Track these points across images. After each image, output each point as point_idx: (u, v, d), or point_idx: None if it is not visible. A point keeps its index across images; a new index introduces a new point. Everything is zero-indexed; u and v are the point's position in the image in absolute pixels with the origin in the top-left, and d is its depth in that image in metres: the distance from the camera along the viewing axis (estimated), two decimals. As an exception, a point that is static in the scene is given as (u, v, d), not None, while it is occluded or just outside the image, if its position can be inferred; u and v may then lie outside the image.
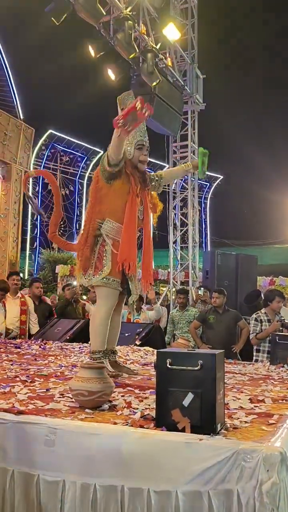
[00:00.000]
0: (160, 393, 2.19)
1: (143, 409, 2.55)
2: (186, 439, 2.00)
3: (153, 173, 3.93)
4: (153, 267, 3.64)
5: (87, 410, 2.51)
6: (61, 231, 16.49)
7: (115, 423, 2.25)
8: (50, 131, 15.30)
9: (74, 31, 9.11)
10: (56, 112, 13.25)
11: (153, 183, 3.80)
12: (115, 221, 3.39)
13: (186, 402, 2.09)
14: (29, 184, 11.82)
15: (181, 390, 2.11)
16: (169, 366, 2.16)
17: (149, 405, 2.67)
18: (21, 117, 12.58)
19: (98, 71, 10.20)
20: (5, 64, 12.28)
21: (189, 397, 2.09)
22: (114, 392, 2.81)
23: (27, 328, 6.59)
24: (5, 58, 12.16)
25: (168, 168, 14.03)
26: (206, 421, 2.06)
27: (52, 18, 7.58)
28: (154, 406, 2.61)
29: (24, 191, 3.79)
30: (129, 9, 8.89)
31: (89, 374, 2.55)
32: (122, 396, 2.92)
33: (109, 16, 8.81)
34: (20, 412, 2.36)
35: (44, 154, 15.43)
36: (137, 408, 2.57)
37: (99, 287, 3.33)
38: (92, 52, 9.13)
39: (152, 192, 3.80)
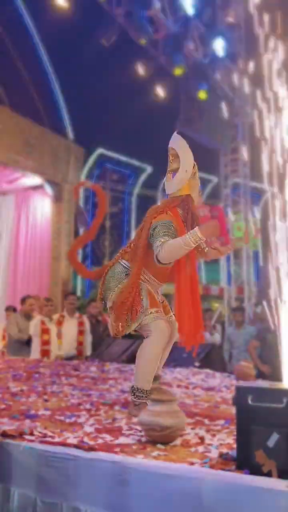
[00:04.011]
0: (241, 432, 2.03)
1: (218, 445, 2.39)
2: (273, 486, 1.82)
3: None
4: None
5: (158, 446, 2.38)
6: (109, 251, 16.53)
7: (192, 463, 2.11)
8: (99, 151, 15.47)
9: (123, 50, 9.21)
10: (105, 131, 13.37)
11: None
12: (151, 275, 3.13)
13: (271, 442, 1.92)
14: (80, 193, 11.78)
15: (265, 429, 1.95)
16: (250, 403, 2.00)
17: (223, 440, 2.51)
18: (71, 137, 12.79)
19: (147, 89, 10.23)
20: (55, 85, 12.56)
21: (274, 437, 1.92)
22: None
23: (84, 349, 6.58)
24: (55, 80, 12.44)
25: (217, 182, 13.81)
26: (295, 465, 1.88)
27: (103, 40, 7.67)
28: (229, 442, 2.46)
29: (75, 199, 3.47)
30: (177, 25, 8.89)
31: (160, 408, 2.42)
32: (192, 428, 2.77)
33: (157, 34, 8.84)
34: (91, 449, 2.27)
35: (94, 173, 15.62)
36: (212, 445, 2.41)
37: (150, 324, 2.96)
38: (141, 70, 9.18)
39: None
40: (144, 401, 2.96)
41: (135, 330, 3.08)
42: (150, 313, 2.96)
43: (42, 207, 12.19)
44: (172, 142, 3.18)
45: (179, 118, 10.02)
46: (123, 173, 16.81)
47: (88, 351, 6.73)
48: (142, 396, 2.98)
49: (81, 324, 6.56)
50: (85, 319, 6.76)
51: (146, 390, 2.97)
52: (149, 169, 17.16)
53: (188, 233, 2.90)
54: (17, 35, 11.37)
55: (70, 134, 12.84)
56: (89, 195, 15.36)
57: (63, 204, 11.90)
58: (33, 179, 11.66)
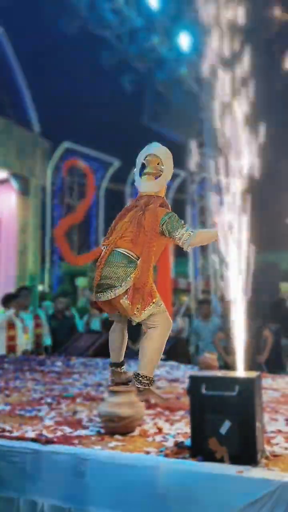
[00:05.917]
0: (195, 420, 2.07)
1: (175, 435, 2.43)
2: (224, 471, 1.88)
3: None
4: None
5: (116, 436, 2.41)
6: (79, 244, 16.44)
7: (147, 452, 2.14)
8: (66, 145, 15.29)
9: (89, 43, 9.12)
10: (72, 124, 13.27)
11: None
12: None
13: (223, 430, 1.97)
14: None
15: (218, 417, 1.99)
16: (204, 392, 2.04)
17: (181, 429, 2.55)
18: (38, 130, 12.63)
19: (113, 82, 10.18)
20: (20, 78, 12.36)
21: (226, 425, 1.97)
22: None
23: (42, 341, 6.62)
24: (20, 72, 12.24)
25: (184, 176, 13.90)
26: (245, 451, 1.93)
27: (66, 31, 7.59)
28: (187, 431, 2.51)
29: None
30: (142, 19, 8.87)
31: (118, 399, 2.45)
32: (152, 419, 2.81)
33: (123, 27, 8.80)
34: (48, 442, 2.27)
35: (60, 167, 15.45)
36: (169, 434, 2.45)
37: (158, 314, 3.16)
38: (106, 63, 9.13)
39: None
40: (148, 387, 3.13)
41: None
42: (160, 305, 3.14)
43: (9, 201, 12.01)
44: (157, 150, 3.50)
45: (144, 112, 10.03)
46: (91, 166, 16.67)
47: (47, 341, 6.74)
48: (147, 383, 3.08)
49: (36, 317, 6.62)
50: (40, 311, 6.85)
51: (151, 377, 3.10)
52: (117, 163, 17.08)
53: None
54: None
55: (36, 127, 12.68)
56: (56, 189, 15.24)
57: (30, 198, 11.77)
58: (-1, 173, 11.48)
